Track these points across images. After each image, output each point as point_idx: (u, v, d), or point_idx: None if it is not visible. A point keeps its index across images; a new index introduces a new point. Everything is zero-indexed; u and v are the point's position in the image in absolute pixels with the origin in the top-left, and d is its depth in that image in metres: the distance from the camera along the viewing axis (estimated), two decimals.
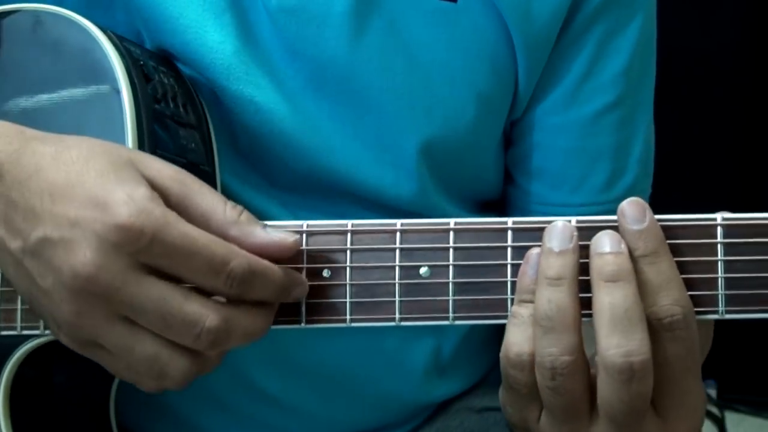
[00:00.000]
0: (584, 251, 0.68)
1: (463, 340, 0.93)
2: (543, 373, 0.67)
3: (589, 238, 0.68)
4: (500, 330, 0.70)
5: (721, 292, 0.68)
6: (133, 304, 0.66)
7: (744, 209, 0.69)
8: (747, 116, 2.13)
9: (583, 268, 0.68)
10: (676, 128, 1.97)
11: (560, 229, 0.68)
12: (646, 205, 0.68)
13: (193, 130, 0.80)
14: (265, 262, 0.68)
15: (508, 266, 0.70)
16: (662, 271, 0.67)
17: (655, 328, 0.66)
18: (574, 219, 0.69)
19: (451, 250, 0.70)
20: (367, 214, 0.84)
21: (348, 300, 0.71)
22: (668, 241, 0.68)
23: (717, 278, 0.68)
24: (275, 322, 0.71)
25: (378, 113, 0.83)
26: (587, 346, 0.67)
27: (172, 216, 0.66)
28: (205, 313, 0.66)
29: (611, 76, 0.87)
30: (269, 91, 0.81)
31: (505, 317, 0.70)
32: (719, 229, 0.69)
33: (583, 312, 0.68)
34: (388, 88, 0.82)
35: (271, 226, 0.70)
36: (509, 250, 0.70)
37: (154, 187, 0.67)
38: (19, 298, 0.74)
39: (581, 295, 0.67)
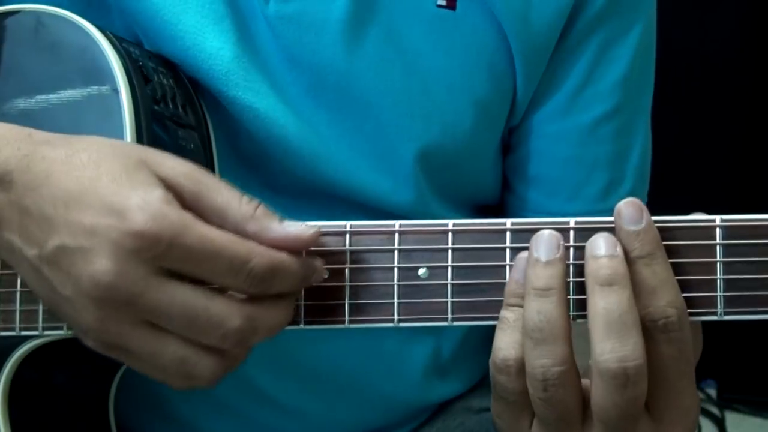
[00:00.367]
0: (580, 252, 0.68)
1: (463, 341, 0.93)
2: (535, 384, 0.66)
3: (586, 240, 0.68)
4: None
5: (720, 293, 0.68)
6: (156, 310, 0.65)
7: (744, 209, 0.69)
8: (747, 116, 2.12)
9: (579, 271, 0.68)
10: (676, 128, 1.97)
11: (546, 238, 0.67)
12: (644, 206, 0.67)
13: (193, 131, 0.80)
14: (284, 256, 0.67)
15: (507, 267, 0.70)
16: (657, 273, 0.67)
17: (650, 330, 0.66)
18: (572, 220, 0.69)
19: (449, 252, 0.70)
20: (365, 219, 0.84)
21: (347, 301, 0.71)
22: (667, 243, 0.68)
23: (716, 280, 0.68)
24: None
25: (376, 120, 0.83)
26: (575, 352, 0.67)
27: (188, 218, 0.65)
28: (230, 313, 0.66)
29: (610, 84, 0.87)
30: (268, 98, 0.81)
31: None
32: (718, 231, 0.68)
33: (579, 314, 0.68)
34: (386, 94, 0.82)
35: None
36: (508, 251, 0.70)
37: (168, 186, 0.66)
38: (18, 298, 0.74)
39: (577, 297, 0.67)
